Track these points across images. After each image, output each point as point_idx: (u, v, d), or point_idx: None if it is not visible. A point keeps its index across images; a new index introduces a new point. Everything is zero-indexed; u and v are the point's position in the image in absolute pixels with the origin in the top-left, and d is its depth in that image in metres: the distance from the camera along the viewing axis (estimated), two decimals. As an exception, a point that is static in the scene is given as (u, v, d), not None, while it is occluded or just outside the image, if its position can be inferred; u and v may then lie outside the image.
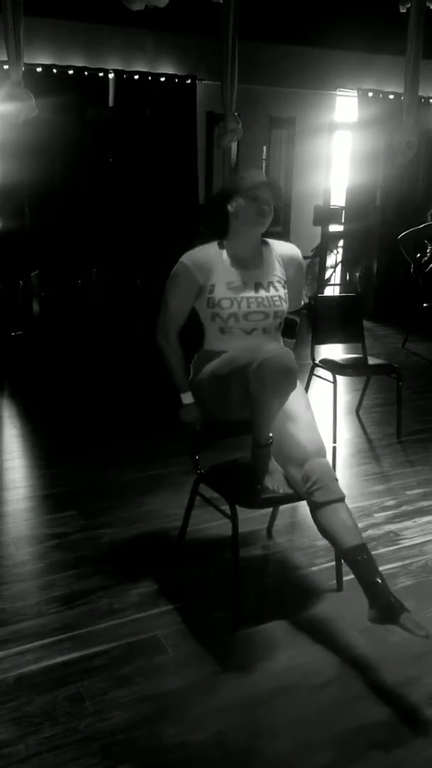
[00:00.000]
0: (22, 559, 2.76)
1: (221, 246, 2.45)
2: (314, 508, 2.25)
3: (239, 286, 2.41)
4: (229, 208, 2.42)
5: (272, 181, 2.47)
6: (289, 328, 2.54)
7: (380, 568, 2.65)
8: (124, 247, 6.79)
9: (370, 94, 7.61)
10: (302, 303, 2.61)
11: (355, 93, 7.60)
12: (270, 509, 2.97)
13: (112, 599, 2.46)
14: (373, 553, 2.77)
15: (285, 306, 2.46)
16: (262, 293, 2.42)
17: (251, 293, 2.41)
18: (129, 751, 1.84)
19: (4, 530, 3.00)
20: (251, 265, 2.45)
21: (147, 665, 2.15)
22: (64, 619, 2.36)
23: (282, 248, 2.54)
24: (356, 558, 2.17)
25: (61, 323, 6.38)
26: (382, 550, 2.86)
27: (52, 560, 2.74)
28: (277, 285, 2.46)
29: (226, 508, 2.39)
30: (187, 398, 2.52)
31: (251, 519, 2.97)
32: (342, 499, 2.25)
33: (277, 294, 2.44)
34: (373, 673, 2.13)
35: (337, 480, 2.28)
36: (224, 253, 2.44)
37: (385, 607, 2.07)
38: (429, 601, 2.52)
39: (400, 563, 2.78)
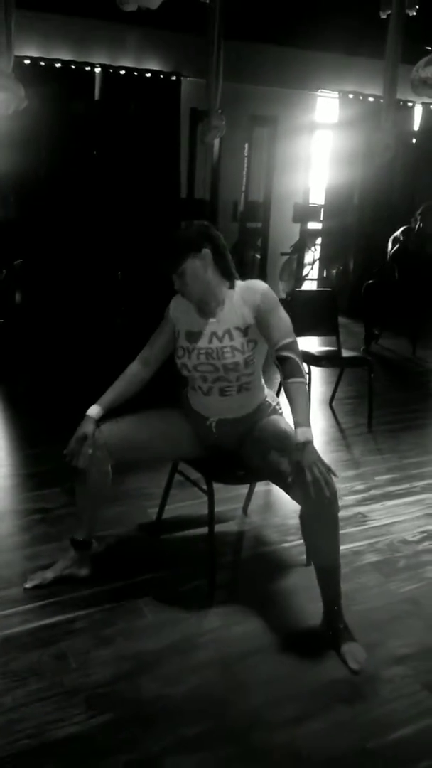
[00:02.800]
0: (7, 532, 2.88)
1: None
2: (306, 517, 2.21)
3: (197, 335, 2.36)
4: None
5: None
6: (288, 366, 2.24)
7: (348, 546, 2.85)
8: (106, 239, 6.89)
9: (351, 96, 7.80)
10: (288, 339, 2.26)
11: (336, 94, 7.78)
12: (246, 490, 3.12)
13: (94, 568, 2.58)
14: (342, 532, 2.94)
15: (239, 358, 2.30)
16: (215, 343, 2.31)
17: (204, 344, 2.33)
18: (110, 702, 1.97)
19: (-10, 505, 3.12)
20: (211, 312, 2.35)
21: (127, 628, 2.29)
22: (48, 586, 2.48)
23: (241, 291, 2.34)
24: (327, 577, 2.25)
25: (43, 312, 6.46)
26: (350, 530, 3.02)
27: (37, 533, 2.86)
28: (234, 333, 2.31)
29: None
30: (93, 410, 2.43)
31: (228, 499, 3.12)
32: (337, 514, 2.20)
33: (230, 344, 2.30)
34: (338, 637, 2.29)
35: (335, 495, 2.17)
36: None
37: (333, 631, 2.24)
38: (393, 575, 2.69)
39: (367, 541, 2.94)
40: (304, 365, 2.33)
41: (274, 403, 2.56)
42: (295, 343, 2.29)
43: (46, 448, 3.74)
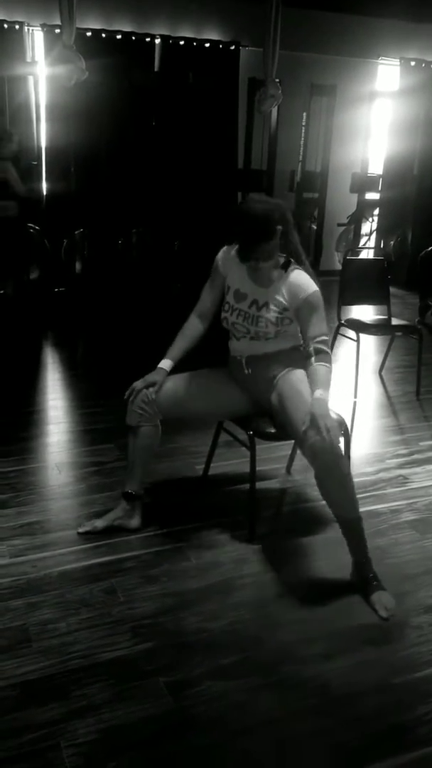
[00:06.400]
0: (65, 481, 3.10)
1: None
2: (318, 478, 2.34)
3: (242, 295, 2.55)
4: None
5: (242, 249, 2.43)
6: (321, 355, 2.43)
7: (387, 505, 2.96)
8: (163, 210, 7.02)
9: (413, 63, 7.66)
10: (324, 336, 2.46)
11: (397, 62, 7.66)
12: (290, 451, 3.25)
13: (144, 515, 2.76)
14: (381, 492, 3.08)
15: (270, 329, 2.51)
16: (253, 310, 2.51)
17: (245, 307, 2.53)
18: (154, 632, 2.15)
19: (49, 457, 3.35)
20: (261, 282, 2.52)
21: (172, 569, 2.47)
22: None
23: (293, 281, 2.49)
24: (350, 529, 2.38)
25: (101, 281, 6.68)
26: (390, 490, 3.13)
27: (92, 483, 3.07)
28: (272, 309, 2.50)
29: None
30: (165, 363, 2.61)
31: (273, 459, 3.27)
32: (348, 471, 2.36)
33: (266, 316, 2.50)
34: (370, 586, 2.41)
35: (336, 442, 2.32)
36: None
37: (362, 581, 2.37)
38: (428, 533, 2.79)
39: (406, 501, 3.04)
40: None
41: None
42: (328, 341, 2.49)
43: (101, 408, 3.94)
